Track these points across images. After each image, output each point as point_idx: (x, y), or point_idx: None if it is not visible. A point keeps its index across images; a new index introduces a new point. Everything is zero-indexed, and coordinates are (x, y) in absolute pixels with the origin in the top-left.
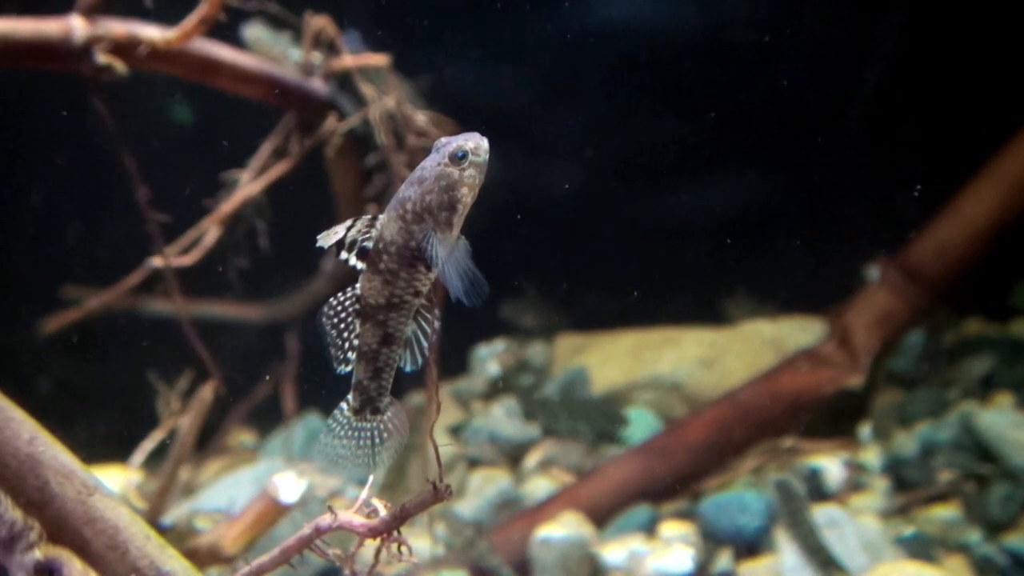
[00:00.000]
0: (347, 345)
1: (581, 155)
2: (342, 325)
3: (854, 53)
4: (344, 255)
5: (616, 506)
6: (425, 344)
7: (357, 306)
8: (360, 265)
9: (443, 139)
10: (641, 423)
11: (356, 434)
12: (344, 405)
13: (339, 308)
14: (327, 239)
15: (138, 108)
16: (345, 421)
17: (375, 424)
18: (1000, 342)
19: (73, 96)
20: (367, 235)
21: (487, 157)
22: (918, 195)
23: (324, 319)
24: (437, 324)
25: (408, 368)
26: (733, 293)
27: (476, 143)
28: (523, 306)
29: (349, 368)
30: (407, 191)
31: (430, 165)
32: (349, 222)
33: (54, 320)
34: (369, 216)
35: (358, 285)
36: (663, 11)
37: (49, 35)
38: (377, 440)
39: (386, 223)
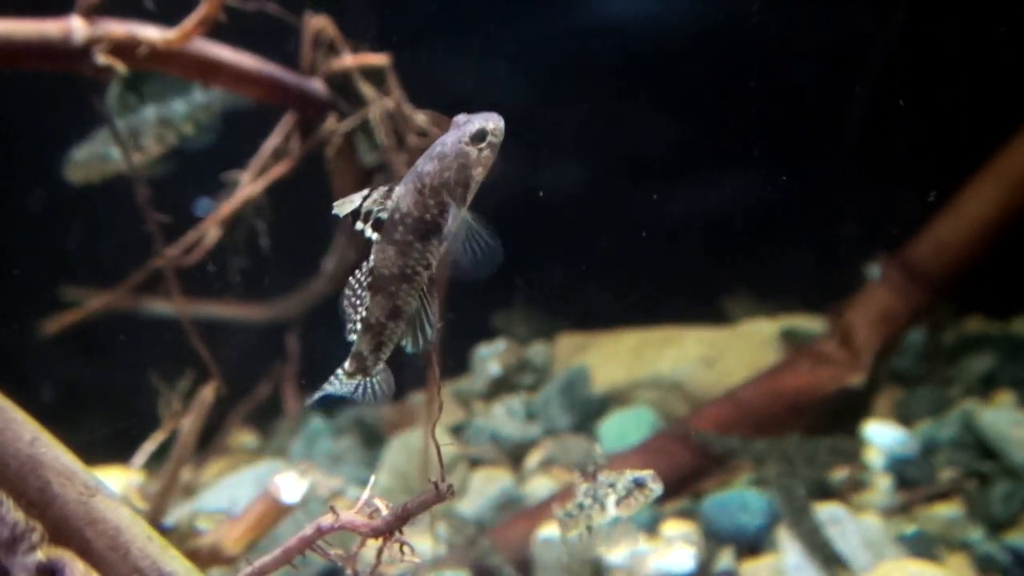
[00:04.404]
0: (358, 315)
1: (579, 154)
2: (356, 300)
3: (855, 50)
4: (359, 225)
5: None
6: (428, 328)
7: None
8: (375, 236)
9: (462, 116)
10: (642, 422)
11: (351, 384)
12: (339, 371)
13: (356, 286)
14: (343, 208)
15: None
16: (338, 380)
17: (366, 380)
18: (1001, 340)
19: (72, 96)
20: (382, 206)
21: (502, 137)
22: (919, 194)
23: (347, 290)
24: (436, 306)
25: (409, 349)
26: (734, 292)
27: (495, 124)
28: (514, 315)
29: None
30: (426, 166)
31: (451, 142)
32: (365, 192)
33: (55, 321)
34: (385, 187)
35: (371, 258)
36: (661, 8)
37: (49, 36)
38: (368, 390)
39: (402, 195)
